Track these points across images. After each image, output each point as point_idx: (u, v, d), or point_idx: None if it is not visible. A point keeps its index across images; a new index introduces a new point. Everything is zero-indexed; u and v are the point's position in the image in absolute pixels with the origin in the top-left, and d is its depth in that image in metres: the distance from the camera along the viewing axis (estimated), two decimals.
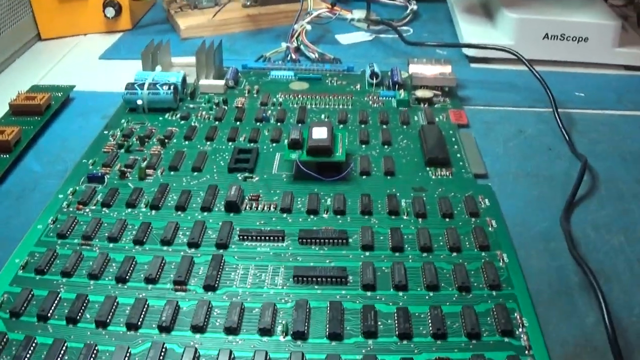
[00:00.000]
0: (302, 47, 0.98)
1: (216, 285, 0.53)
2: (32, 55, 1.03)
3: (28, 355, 0.46)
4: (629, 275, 0.56)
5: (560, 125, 0.77)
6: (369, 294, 0.53)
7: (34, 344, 0.47)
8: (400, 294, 0.53)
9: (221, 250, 0.57)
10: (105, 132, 0.75)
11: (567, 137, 0.74)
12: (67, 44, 1.06)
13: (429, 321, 0.50)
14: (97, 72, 0.96)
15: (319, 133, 0.67)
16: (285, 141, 0.68)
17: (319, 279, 0.54)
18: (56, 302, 0.51)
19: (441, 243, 0.58)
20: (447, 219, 0.61)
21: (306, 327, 0.49)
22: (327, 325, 0.49)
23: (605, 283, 0.54)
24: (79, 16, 1.08)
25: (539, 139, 0.76)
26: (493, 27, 1.02)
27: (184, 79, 0.83)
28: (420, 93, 0.83)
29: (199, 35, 1.06)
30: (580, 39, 0.94)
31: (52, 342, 0.47)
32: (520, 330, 0.49)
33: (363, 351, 0.48)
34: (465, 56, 1.00)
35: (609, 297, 0.52)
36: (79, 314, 0.50)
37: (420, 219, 0.61)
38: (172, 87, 0.79)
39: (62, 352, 0.47)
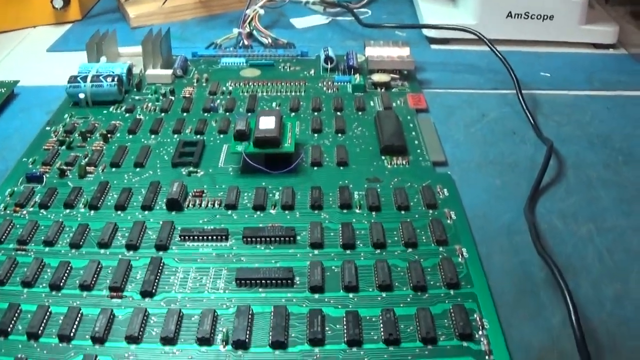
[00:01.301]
0: (254, 32, 0.95)
1: (154, 290, 0.50)
2: None
3: None
4: (598, 267, 0.53)
5: (525, 108, 0.74)
6: (316, 296, 0.49)
7: None
8: (350, 295, 0.49)
9: (161, 252, 0.54)
10: (47, 128, 0.72)
11: (532, 120, 0.72)
12: (16, 38, 1.03)
13: (381, 325, 0.46)
14: (44, 66, 0.92)
15: (267, 123, 0.63)
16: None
17: (263, 282, 0.50)
18: None
19: (395, 238, 0.54)
20: (403, 212, 0.58)
21: (247, 336, 0.46)
22: (270, 333, 0.46)
23: (573, 277, 0.51)
24: (27, 8, 1.04)
25: (503, 123, 0.73)
26: (455, 7, 1.00)
27: (129, 70, 0.79)
28: (376, 77, 0.80)
29: (149, 23, 1.03)
30: (545, 17, 0.92)
31: None
32: (480, 333, 0.46)
33: None
34: (425, 37, 0.97)
35: (577, 292, 0.49)
36: (10, 326, 0.47)
37: (373, 212, 0.57)
38: (116, 79, 0.76)
39: None
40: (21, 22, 1.05)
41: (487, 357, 0.44)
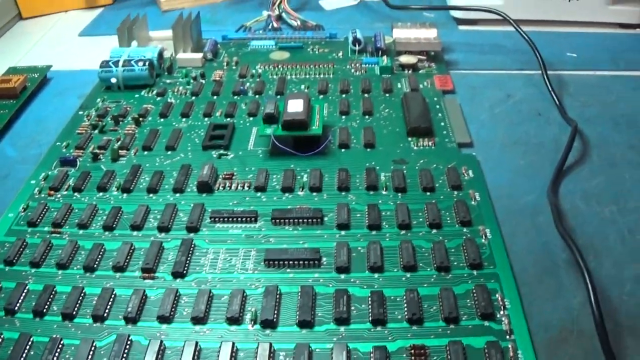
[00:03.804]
0: (283, 14, 0.96)
1: (185, 271, 0.51)
2: (13, 35, 1.01)
3: None
4: (620, 248, 0.53)
5: (550, 89, 0.74)
6: (342, 276, 0.50)
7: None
8: (376, 275, 0.50)
9: (192, 234, 0.55)
10: (80, 112, 0.73)
11: (557, 101, 0.72)
12: (48, 22, 1.04)
13: (405, 305, 0.47)
14: (76, 50, 0.94)
15: (295, 106, 0.64)
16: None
17: (290, 262, 0.51)
18: (24, 294, 0.49)
19: (421, 219, 0.55)
20: (428, 193, 0.58)
21: (275, 315, 0.47)
22: (297, 313, 0.47)
23: (595, 258, 0.52)
24: None
25: (528, 104, 0.73)
26: None
27: (160, 54, 0.80)
28: (404, 59, 0.80)
29: (180, 6, 1.04)
30: None
31: (18, 337, 0.46)
32: (501, 313, 0.46)
33: (334, 339, 0.45)
34: (452, 18, 0.97)
35: (598, 272, 0.50)
36: (46, 307, 0.48)
37: (399, 194, 0.58)
38: (147, 63, 0.77)
39: (27, 347, 0.45)
40: (55, 6, 1.07)
41: (507, 337, 0.45)
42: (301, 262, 0.51)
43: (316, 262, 0.51)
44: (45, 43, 0.96)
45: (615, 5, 0.92)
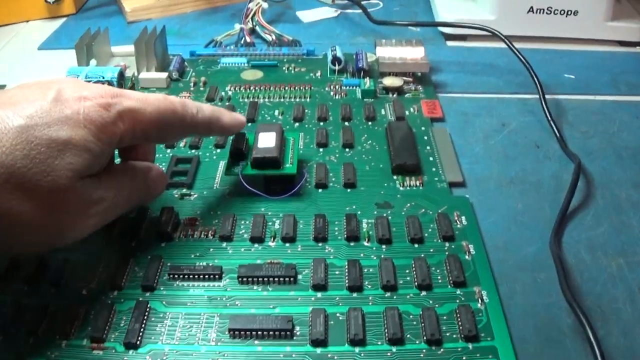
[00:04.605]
0: (257, 28, 0.89)
1: (138, 342, 0.44)
2: None
3: None
4: (630, 310, 0.47)
5: (549, 117, 0.68)
6: (318, 351, 0.43)
7: None
8: (357, 350, 0.43)
9: (147, 294, 0.48)
10: None
11: (556, 132, 0.66)
12: (7, 33, 0.98)
13: None
14: (34, 66, 0.87)
15: (266, 140, 0.58)
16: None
17: (259, 333, 0.44)
18: None
19: (408, 278, 0.49)
20: (416, 245, 0.52)
21: None
22: None
23: (603, 324, 0.46)
24: (19, 2, 1.00)
25: (525, 134, 0.68)
26: (472, 0, 0.94)
27: (121, 74, 0.74)
28: (388, 81, 0.74)
29: (146, 17, 0.98)
30: (569, 12, 0.87)
31: None
32: None
33: None
34: (441, 33, 0.92)
35: (607, 341, 0.44)
36: None
37: (383, 246, 0.52)
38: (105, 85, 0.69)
39: None
40: (15, 16, 1.00)
41: None
42: (271, 332, 0.45)
43: (288, 333, 0.44)
44: (1, 57, 0.90)
45: (614, 21, 0.88)
